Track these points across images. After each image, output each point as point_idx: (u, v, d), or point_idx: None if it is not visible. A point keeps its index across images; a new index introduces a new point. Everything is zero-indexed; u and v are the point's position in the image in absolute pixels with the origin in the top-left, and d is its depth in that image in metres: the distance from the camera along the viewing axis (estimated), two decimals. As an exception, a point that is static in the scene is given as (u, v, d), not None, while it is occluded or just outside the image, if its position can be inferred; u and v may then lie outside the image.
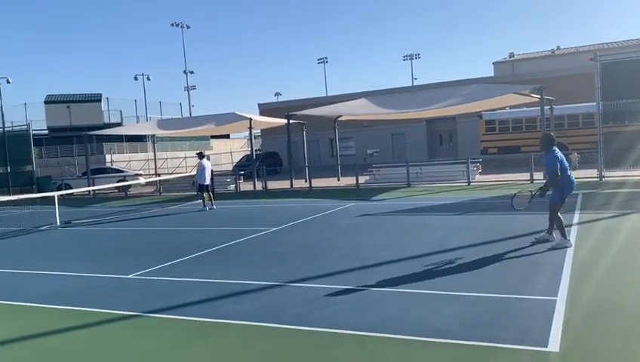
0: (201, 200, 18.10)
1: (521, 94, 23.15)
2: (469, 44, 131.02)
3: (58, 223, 15.71)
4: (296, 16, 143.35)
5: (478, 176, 23.15)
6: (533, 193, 9.18)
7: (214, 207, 17.83)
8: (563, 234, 8.64)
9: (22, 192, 23.12)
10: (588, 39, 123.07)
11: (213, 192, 18.53)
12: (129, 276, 8.59)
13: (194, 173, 19.86)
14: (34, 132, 30.66)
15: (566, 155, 8.81)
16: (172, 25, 57.61)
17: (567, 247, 8.43)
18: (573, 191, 8.95)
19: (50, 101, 43.71)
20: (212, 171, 18.87)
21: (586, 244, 8.78)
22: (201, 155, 18.36)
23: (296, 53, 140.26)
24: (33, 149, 29.46)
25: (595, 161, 20.02)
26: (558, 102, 25.80)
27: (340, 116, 28.50)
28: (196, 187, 18.48)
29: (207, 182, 17.92)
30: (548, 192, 8.84)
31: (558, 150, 8.68)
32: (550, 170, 8.56)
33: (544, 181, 9.33)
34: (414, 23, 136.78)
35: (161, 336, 5.72)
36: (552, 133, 9.00)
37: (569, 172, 8.72)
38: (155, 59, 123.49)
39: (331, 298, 6.64)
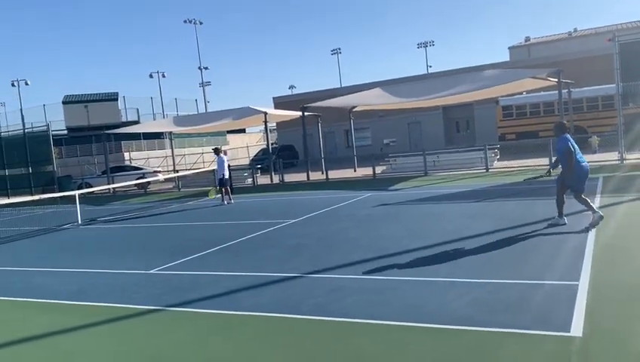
0: (219, 195, 18.23)
1: (538, 78, 22.82)
2: (483, 29, 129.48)
3: (80, 221, 15.94)
4: (308, 8, 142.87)
5: (496, 162, 22.95)
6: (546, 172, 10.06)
7: (232, 201, 17.94)
8: (559, 213, 9.27)
9: (43, 192, 23.47)
10: (606, 20, 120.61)
11: (231, 187, 18.63)
12: (150, 271, 8.70)
13: (212, 168, 19.91)
14: (53, 132, 31.03)
15: (585, 139, 9.25)
16: (185, 21, 57.81)
17: (560, 225, 9.09)
18: (590, 176, 9.29)
19: (68, 101, 44.21)
20: (229, 166, 19.01)
21: (606, 228, 8.66)
22: (217, 151, 18.52)
23: (309, 45, 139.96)
24: (53, 149, 29.86)
25: (616, 144, 19.71)
26: (577, 85, 25.38)
27: (355, 107, 28.40)
28: (217, 182, 18.55)
29: (226, 176, 18.03)
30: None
31: (569, 136, 9.14)
32: (560, 152, 9.08)
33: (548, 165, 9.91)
34: (427, 10, 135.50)
35: (183, 330, 5.79)
36: (563, 121, 9.64)
37: (579, 157, 8.99)
38: (170, 57, 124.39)
39: (351, 288, 6.65)
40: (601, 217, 8.72)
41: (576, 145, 9.02)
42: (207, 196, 19.48)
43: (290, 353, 4.89)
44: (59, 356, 5.42)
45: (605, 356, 4.25)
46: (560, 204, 9.22)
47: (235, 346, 5.19)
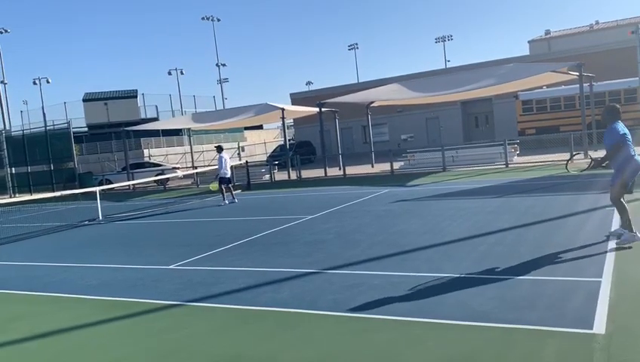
0: (224, 194, 17.86)
1: (558, 72, 22.49)
2: (502, 23, 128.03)
3: (100, 217, 16.14)
4: (324, 4, 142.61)
5: (516, 157, 22.69)
6: (589, 164, 8.24)
7: (235, 200, 17.67)
8: (628, 226, 7.25)
9: (65, 188, 23.83)
10: (628, 12, 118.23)
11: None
12: (170, 266, 8.77)
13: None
14: (74, 130, 31.47)
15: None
16: (203, 18, 58.00)
17: (634, 242, 7.11)
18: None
19: (88, 99, 44.78)
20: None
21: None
22: (219, 149, 18.11)
23: (326, 40, 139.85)
24: (74, 146, 30.27)
25: (639, 138, 19.37)
26: (598, 78, 24.99)
27: (373, 102, 28.30)
28: (218, 180, 18.18)
29: (228, 174, 17.80)
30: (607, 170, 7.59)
31: (622, 124, 7.40)
32: (608, 144, 7.33)
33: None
34: (446, 5, 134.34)
35: (201, 324, 5.83)
36: (616, 105, 7.71)
37: (633, 151, 7.27)
38: (188, 54, 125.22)
39: (369, 284, 6.63)
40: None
41: (629, 136, 7.28)
42: (211, 189, 19.21)
43: (308, 348, 4.89)
44: (78, 350, 5.49)
45: (629, 353, 4.17)
46: (622, 213, 7.35)
47: (253, 341, 5.20)
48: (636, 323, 4.72)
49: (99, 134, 43.19)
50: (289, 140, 35.96)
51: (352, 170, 24.54)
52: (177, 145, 43.25)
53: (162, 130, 41.50)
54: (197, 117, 33.60)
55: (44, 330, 6.10)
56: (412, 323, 5.19)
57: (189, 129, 34.97)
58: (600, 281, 5.82)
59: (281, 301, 6.31)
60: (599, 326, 4.64)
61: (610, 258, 6.70)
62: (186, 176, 29.71)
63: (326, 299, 6.23)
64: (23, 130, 34.15)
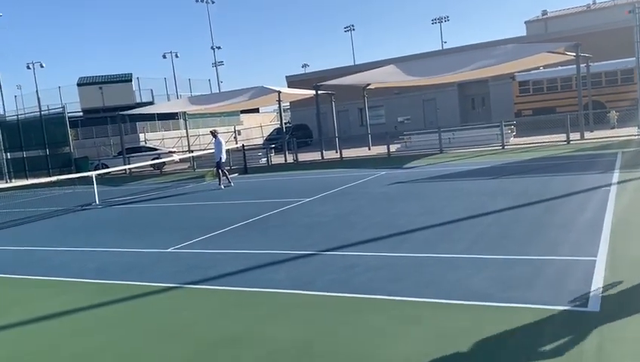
0: (221, 178, 17.80)
1: (555, 53, 22.41)
2: (498, 3, 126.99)
3: (97, 202, 16.12)
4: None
5: (512, 139, 22.71)
6: None
7: (232, 183, 17.62)
8: None
9: (61, 173, 23.78)
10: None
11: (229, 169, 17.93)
12: (168, 250, 8.79)
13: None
14: (69, 114, 31.29)
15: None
16: (197, 1, 57.36)
17: None
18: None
19: (82, 83, 44.42)
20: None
21: (625, 204, 8.57)
22: (214, 134, 18.03)
23: (322, 22, 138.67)
24: (69, 131, 30.13)
25: (635, 119, 19.39)
26: (595, 59, 24.89)
27: (369, 84, 28.17)
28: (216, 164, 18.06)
29: (224, 158, 17.67)
30: None
31: None
32: None
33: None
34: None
35: (200, 306, 5.87)
36: None
37: None
38: (182, 37, 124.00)
39: (367, 265, 6.67)
40: None
41: None
42: (204, 180, 19.25)
43: (306, 329, 4.93)
44: (77, 333, 5.52)
45: (623, 331, 4.22)
46: None
47: (251, 322, 5.24)
48: (630, 301, 4.77)
49: (94, 118, 42.92)
50: (285, 123, 35.85)
51: (348, 153, 24.53)
52: (173, 129, 43.04)
53: (158, 114, 41.25)
54: (194, 100, 33.47)
55: (42, 314, 6.13)
56: (408, 302, 5.23)
57: (184, 113, 34.82)
58: (595, 260, 5.86)
59: (278, 282, 6.34)
60: (594, 304, 4.69)
61: (605, 237, 6.74)
62: (182, 160, 29.65)
63: (323, 279, 6.27)
64: (17, 115, 33.93)
